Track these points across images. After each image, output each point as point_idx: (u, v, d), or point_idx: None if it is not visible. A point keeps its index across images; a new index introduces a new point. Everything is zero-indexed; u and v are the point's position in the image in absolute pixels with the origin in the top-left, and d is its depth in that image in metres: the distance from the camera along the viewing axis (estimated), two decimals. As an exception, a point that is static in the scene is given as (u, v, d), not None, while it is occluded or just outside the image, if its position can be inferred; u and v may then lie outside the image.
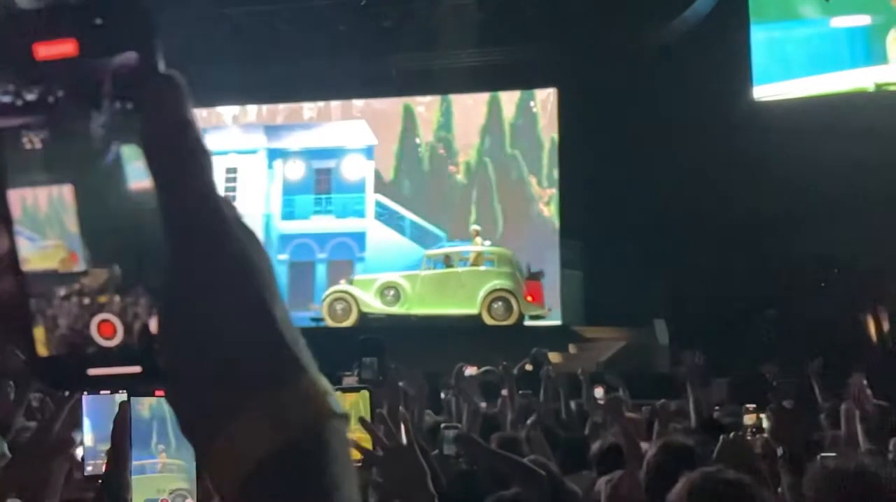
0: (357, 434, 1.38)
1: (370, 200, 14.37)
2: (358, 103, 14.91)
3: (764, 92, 12.01)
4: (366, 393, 1.44)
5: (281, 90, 14.41)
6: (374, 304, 12.56)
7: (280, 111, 15.21)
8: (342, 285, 12.95)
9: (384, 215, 14.28)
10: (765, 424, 3.34)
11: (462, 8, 13.14)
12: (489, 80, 13.77)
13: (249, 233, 0.44)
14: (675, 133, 11.29)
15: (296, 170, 14.74)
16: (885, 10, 11.42)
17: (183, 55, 13.56)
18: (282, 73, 13.89)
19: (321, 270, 14.04)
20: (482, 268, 12.40)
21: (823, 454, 2.51)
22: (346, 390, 1.48)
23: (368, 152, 14.54)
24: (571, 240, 13.16)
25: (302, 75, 13.95)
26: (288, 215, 14.59)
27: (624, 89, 11.93)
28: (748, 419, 3.39)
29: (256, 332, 0.42)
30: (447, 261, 12.68)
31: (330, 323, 12.49)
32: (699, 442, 2.58)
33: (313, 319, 12.88)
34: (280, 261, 14.27)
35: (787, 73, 11.92)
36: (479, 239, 13.16)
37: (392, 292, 12.62)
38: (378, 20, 13.51)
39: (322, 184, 14.62)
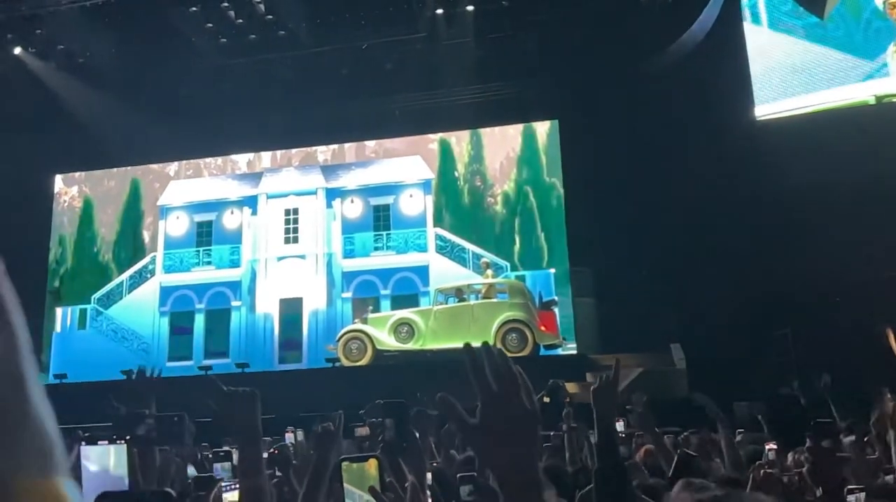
0: None
1: (431, 234, 14.52)
2: (370, 144, 15.17)
3: (765, 110, 12.05)
4: (374, 460, 1.46)
5: (291, 135, 14.67)
6: (389, 342, 12.55)
7: (294, 155, 15.48)
8: (357, 324, 12.99)
9: (446, 248, 14.40)
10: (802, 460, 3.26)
11: (460, 46, 13.38)
12: (491, 114, 13.95)
13: None
14: (679, 157, 11.35)
15: (354, 208, 14.97)
16: (884, 23, 11.52)
17: (194, 107, 13.93)
18: (290, 119, 14.15)
19: (385, 306, 14.11)
20: (495, 299, 12.39)
21: (851, 487, 2.43)
22: (354, 460, 1.50)
23: (426, 186, 14.74)
24: (582, 268, 13.15)
25: (308, 120, 14.20)
26: (349, 253, 14.78)
27: (625, 118, 12.03)
28: (771, 455, 3.36)
29: None
30: (459, 294, 12.67)
31: (345, 362, 12.49)
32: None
33: (328, 360, 12.88)
34: (344, 298, 14.49)
35: (787, 90, 11.98)
36: (490, 271, 13.18)
37: (406, 329, 12.62)
38: (380, 63, 13.78)
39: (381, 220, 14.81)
